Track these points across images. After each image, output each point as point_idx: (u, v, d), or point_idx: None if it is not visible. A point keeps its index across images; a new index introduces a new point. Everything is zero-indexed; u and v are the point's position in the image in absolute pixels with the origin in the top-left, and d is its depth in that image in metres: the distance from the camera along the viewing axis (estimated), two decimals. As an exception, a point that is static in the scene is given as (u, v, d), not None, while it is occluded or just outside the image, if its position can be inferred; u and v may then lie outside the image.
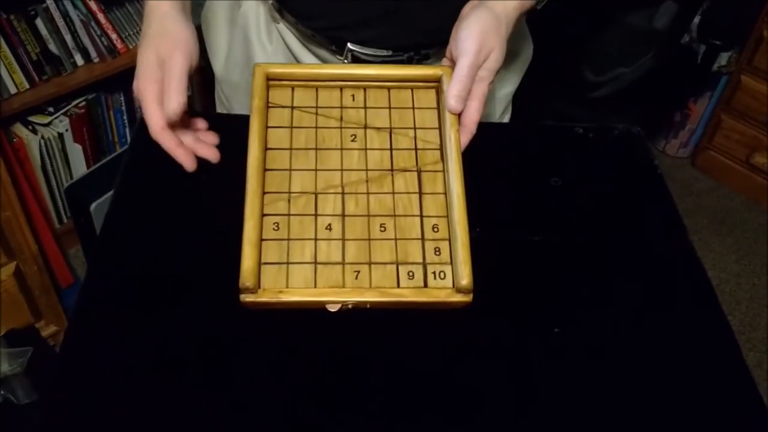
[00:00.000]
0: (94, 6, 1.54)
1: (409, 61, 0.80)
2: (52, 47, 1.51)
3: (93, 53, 1.57)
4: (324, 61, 0.83)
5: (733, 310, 1.78)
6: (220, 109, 0.96)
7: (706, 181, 2.15)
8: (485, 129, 0.68)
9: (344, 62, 0.80)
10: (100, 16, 1.55)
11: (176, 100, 0.63)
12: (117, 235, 0.65)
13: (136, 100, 0.70)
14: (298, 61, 0.84)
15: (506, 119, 0.94)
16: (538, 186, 0.71)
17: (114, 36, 1.57)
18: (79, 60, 1.55)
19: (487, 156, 0.70)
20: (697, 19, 1.82)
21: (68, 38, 1.52)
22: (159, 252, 0.63)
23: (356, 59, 0.79)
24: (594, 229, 0.68)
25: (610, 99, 1.69)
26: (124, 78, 1.62)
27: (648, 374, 0.58)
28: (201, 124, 0.70)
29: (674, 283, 0.65)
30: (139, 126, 0.75)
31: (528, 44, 0.91)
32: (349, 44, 0.78)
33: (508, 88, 0.90)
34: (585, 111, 1.69)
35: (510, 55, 0.71)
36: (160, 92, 0.64)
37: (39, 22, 1.49)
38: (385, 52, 0.78)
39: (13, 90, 1.47)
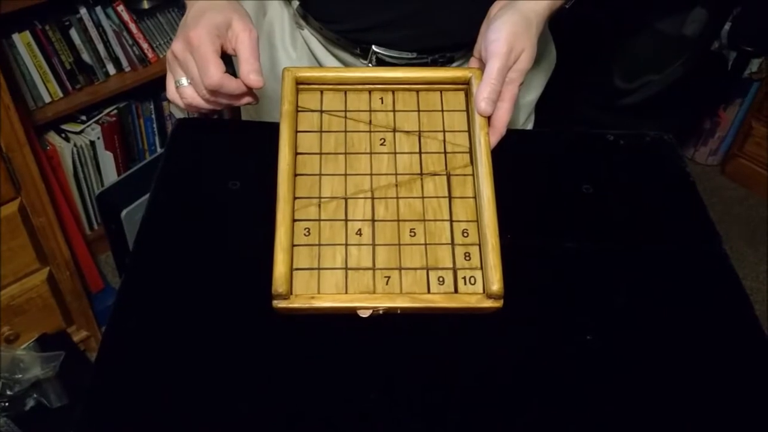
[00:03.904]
0: (126, 16, 1.57)
1: (433, 64, 0.80)
2: (86, 57, 1.54)
3: (124, 62, 1.60)
4: (348, 64, 0.83)
5: (766, 320, 1.75)
6: (245, 118, 0.97)
7: (736, 189, 2.12)
8: (517, 136, 0.68)
9: (368, 65, 0.80)
10: (132, 26, 1.58)
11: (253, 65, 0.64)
12: (152, 240, 0.66)
13: (171, 93, 0.68)
14: (321, 65, 0.85)
15: (529, 127, 0.94)
16: (569, 193, 0.70)
17: (145, 45, 1.60)
18: (111, 69, 1.58)
19: (519, 162, 0.70)
20: (727, 26, 1.80)
21: (101, 48, 1.55)
22: (192, 257, 0.64)
23: (381, 62, 0.79)
24: (626, 237, 0.67)
25: (640, 106, 1.68)
26: (154, 86, 1.65)
27: (682, 384, 0.57)
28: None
29: (708, 292, 0.64)
30: (174, 130, 0.76)
31: (551, 50, 0.90)
32: (373, 47, 0.78)
33: (531, 95, 0.90)
34: (614, 118, 1.67)
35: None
36: (220, 48, 0.64)
37: (73, 33, 1.52)
38: (409, 55, 0.79)
39: (47, 99, 1.51)
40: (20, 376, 1.36)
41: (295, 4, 0.81)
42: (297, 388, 0.55)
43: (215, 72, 0.63)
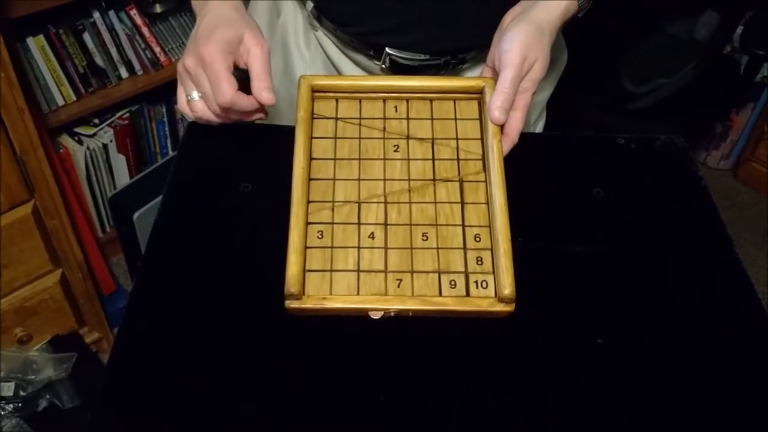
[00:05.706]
0: (138, 20, 1.59)
1: (446, 65, 0.80)
2: (99, 60, 1.55)
3: (137, 66, 1.61)
4: (361, 66, 0.84)
5: (778, 325, 1.74)
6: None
7: (749, 193, 2.11)
8: (527, 139, 0.68)
9: (382, 67, 0.81)
10: (145, 30, 1.59)
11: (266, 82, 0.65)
12: (164, 243, 0.66)
13: (182, 91, 0.68)
14: (335, 66, 0.85)
15: (540, 125, 0.94)
16: (580, 197, 0.70)
17: (157, 49, 1.61)
18: (124, 72, 1.59)
19: (529, 166, 0.70)
20: (740, 30, 1.79)
21: (114, 51, 1.56)
22: (204, 259, 0.64)
23: (394, 63, 0.80)
24: (638, 241, 0.67)
25: (650, 110, 1.67)
26: (166, 90, 1.66)
27: (693, 388, 0.57)
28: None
29: (720, 297, 0.63)
30: (186, 133, 0.76)
31: (562, 51, 0.91)
32: (387, 49, 0.79)
33: (542, 94, 0.90)
34: (624, 122, 1.67)
35: None
36: (232, 65, 0.65)
37: (86, 36, 1.53)
38: (422, 56, 0.79)
39: (60, 102, 1.52)
40: (33, 377, 1.38)
41: (309, 5, 0.81)
42: (306, 390, 0.56)
43: (228, 90, 0.63)
